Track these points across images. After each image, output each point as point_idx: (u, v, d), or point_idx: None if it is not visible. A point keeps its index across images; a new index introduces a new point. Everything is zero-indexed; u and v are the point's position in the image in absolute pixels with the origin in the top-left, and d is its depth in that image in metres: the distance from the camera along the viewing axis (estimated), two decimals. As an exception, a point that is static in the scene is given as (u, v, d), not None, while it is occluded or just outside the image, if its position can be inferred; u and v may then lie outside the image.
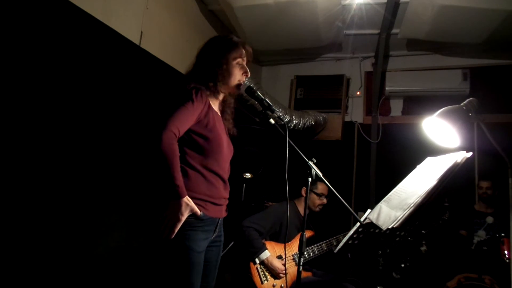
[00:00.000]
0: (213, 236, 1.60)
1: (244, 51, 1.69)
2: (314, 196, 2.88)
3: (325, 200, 2.91)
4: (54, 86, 1.99)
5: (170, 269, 1.48)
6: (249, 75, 1.70)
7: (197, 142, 1.53)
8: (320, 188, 2.89)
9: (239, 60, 1.66)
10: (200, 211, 1.48)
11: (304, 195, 2.93)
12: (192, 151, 1.53)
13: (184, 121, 1.45)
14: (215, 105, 1.67)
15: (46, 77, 1.95)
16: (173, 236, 1.43)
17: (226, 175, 1.64)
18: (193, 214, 1.46)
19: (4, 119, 1.75)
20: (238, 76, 1.66)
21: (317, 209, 2.90)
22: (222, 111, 1.74)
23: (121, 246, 2.42)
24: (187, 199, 1.43)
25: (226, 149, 1.63)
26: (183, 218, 1.43)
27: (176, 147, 1.41)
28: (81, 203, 2.14)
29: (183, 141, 1.50)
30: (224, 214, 1.66)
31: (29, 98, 1.87)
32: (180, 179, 1.40)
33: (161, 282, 2.07)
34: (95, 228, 2.24)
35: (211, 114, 1.57)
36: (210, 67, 1.61)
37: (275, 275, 2.50)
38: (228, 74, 1.63)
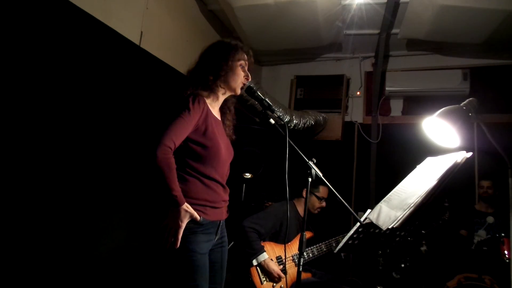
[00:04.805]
0: (216, 239, 1.61)
1: (247, 57, 1.71)
2: (315, 198, 2.88)
3: (324, 204, 2.90)
4: (54, 86, 1.99)
5: (175, 274, 1.48)
6: (249, 79, 1.71)
7: (194, 151, 1.53)
8: (322, 191, 2.89)
9: (242, 62, 1.67)
10: (200, 216, 1.48)
11: (305, 196, 2.93)
12: (190, 159, 1.53)
13: (180, 132, 1.44)
14: (214, 109, 1.66)
15: (46, 77, 1.95)
16: (178, 244, 1.42)
17: (224, 180, 1.64)
18: (192, 220, 1.46)
19: (5, 119, 1.75)
20: (240, 77, 1.67)
21: (316, 211, 2.90)
22: (222, 115, 1.74)
23: (121, 246, 2.42)
24: (186, 206, 1.43)
25: (225, 154, 1.62)
26: (183, 225, 1.43)
27: (172, 160, 1.39)
28: (83, 203, 2.14)
29: (181, 149, 1.50)
30: (225, 216, 1.66)
31: (30, 98, 1.86)
32: (177, 190, 1.40)
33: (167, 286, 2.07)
34: (96, 228, 2.24)
35: (209, 120, 1.56)
36: (214, 62, 1.62)
37: (272, 278, 2.50)
38: (232, 72, 1.63)
